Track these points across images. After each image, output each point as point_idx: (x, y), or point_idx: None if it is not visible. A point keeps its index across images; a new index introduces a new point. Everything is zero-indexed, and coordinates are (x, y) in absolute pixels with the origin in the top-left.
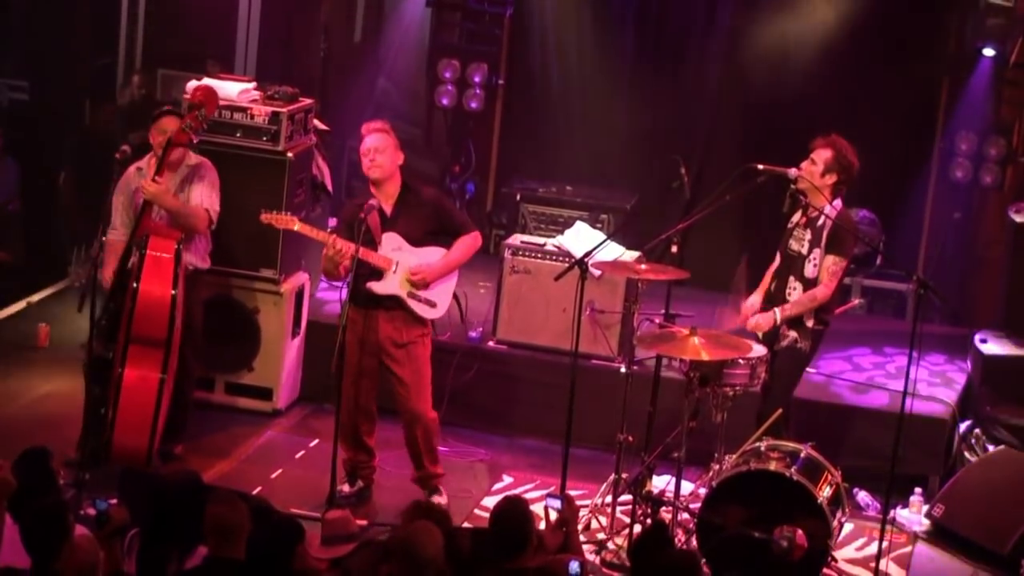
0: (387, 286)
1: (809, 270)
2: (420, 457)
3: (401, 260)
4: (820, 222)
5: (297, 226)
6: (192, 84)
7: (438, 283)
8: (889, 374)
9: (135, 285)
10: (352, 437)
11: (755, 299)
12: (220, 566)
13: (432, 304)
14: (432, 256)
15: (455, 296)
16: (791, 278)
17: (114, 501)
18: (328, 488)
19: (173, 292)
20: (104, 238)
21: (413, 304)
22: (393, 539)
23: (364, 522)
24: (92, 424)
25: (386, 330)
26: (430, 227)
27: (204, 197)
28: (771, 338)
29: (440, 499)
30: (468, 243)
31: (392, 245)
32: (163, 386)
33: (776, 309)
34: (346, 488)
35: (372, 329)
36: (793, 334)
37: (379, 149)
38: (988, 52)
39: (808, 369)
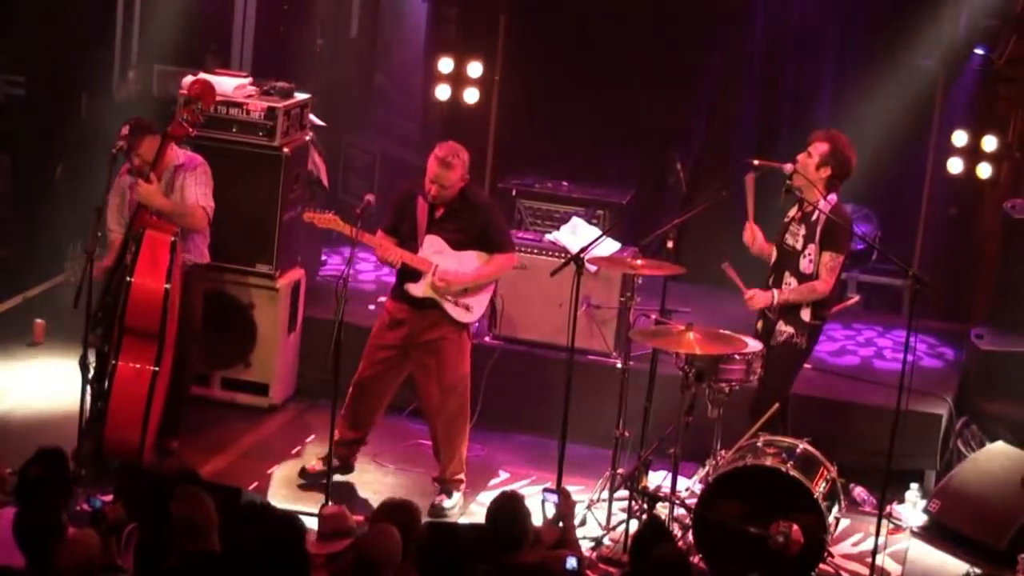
0: (425, 288)
1: (804, 265)
2: (439, 455)
3: (441, 263)
4: (814, 217)
5: (339, 225)
6: (188, 79)
7: (477, 289)
8: (859, 343)
9: (129, 278)
10: (354, 420)
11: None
12: (195, 561)
13: (468, 308)
14: (470, 263)
15: (492, 301)
16: (786, 273)
17: (109, 498)
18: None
19: (167, 285)
20: (100, 234)
21: (449, 307)
22: (355, 543)
23: (360, 518)
24: (89, 419)
25: (419, 326)
26: (473, 234)
27: (199, 195)
28: (767, 334)
29: (444, 500)
30: (502, 262)
31: (433, 248)
32: (156, 379)
33: (775, 290)
34: (319, 466)
35: (407, 324)
36: (790, 329)
37: (444, 186)
38: (979, 51)
39: (805, 365)
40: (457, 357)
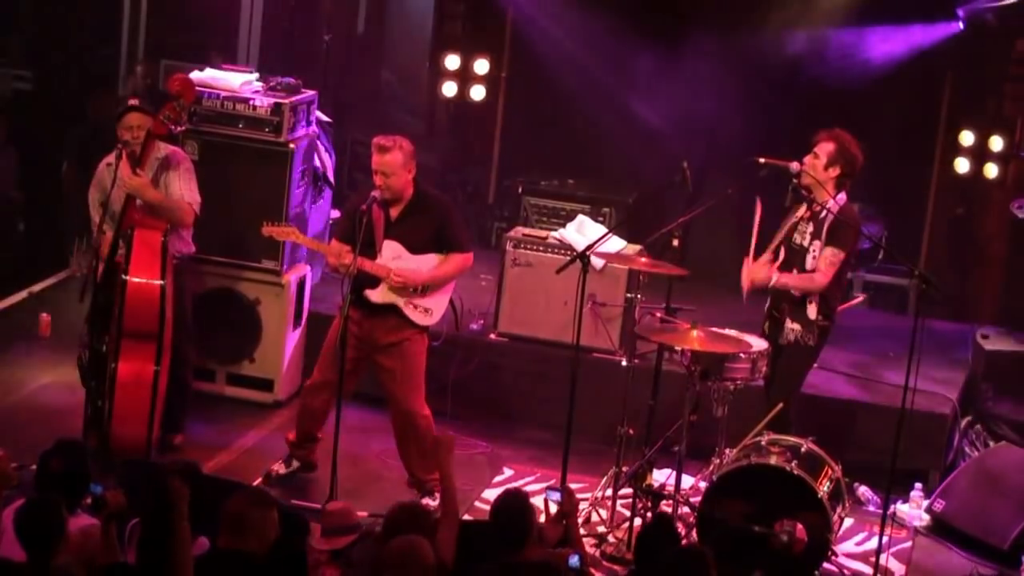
0: (384, 295)
1: (809, 262)
2: (411, 460)
3: (399, 268)
4: (823, 215)
5: (298, 237)
6: (196, 75)
7: (435, 291)
8: None
9: (124, 278)
10: (308, 422)
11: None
12: (229, 558)
13: (428, 311)
14: (428, 264)
15: (451, 302)
16: (794, 271)
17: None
18: (328, 479)
19: (162, 283)
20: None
21: (409, 312)
22: (383, 556)
23: (364, 513)
24: (91, 416)
25: (380, 331)
26: (431, 234)
27: (185, 191)
28: (775, 334)
29: (431, 501)
30: (459, 262)
31: (392, 253)
32: (157, 378)
33: (776, 273)
34: (282, 469)
35: (366, 328)
36: (797, 327)
37: (387, 173)
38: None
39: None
40: (420, 359)
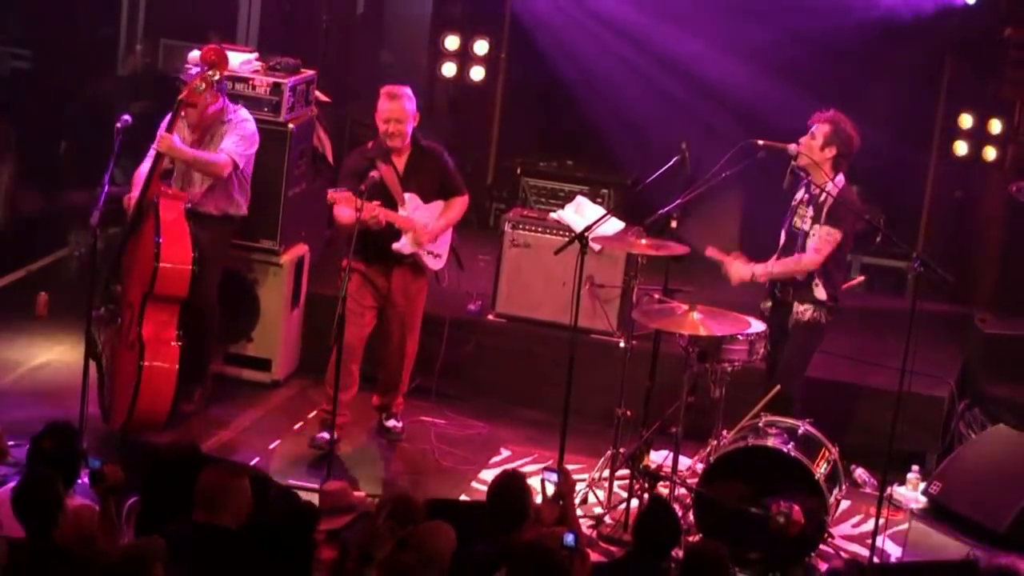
0: (410, 245)
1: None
2: (395, 386)
3: (418, 219)
4: (822, 198)
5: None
6: (195, 54)
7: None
8: None
9: (158, 240)
10: (348, 383)
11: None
12: (207, 532)
13: (439, 256)
14: (436, 211)
15: (452, 247)
16: (795, 255)
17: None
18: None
19: (195, 254)
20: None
21: (426, 259)
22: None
23: (362, 493)
24: (98, 389)
25: (398, 283)
26: (436, 183)
27: (231, 144)
28: (780, 316)
29: (396, 424)
30: (462, 204)
31: (412, 205)
32: (183, 351)
33: (755, 266)
34: (327, 435)
35: (383, 283)
36: (808, 306)
37: (400, 120)
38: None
39: None
40: (421, 303)
